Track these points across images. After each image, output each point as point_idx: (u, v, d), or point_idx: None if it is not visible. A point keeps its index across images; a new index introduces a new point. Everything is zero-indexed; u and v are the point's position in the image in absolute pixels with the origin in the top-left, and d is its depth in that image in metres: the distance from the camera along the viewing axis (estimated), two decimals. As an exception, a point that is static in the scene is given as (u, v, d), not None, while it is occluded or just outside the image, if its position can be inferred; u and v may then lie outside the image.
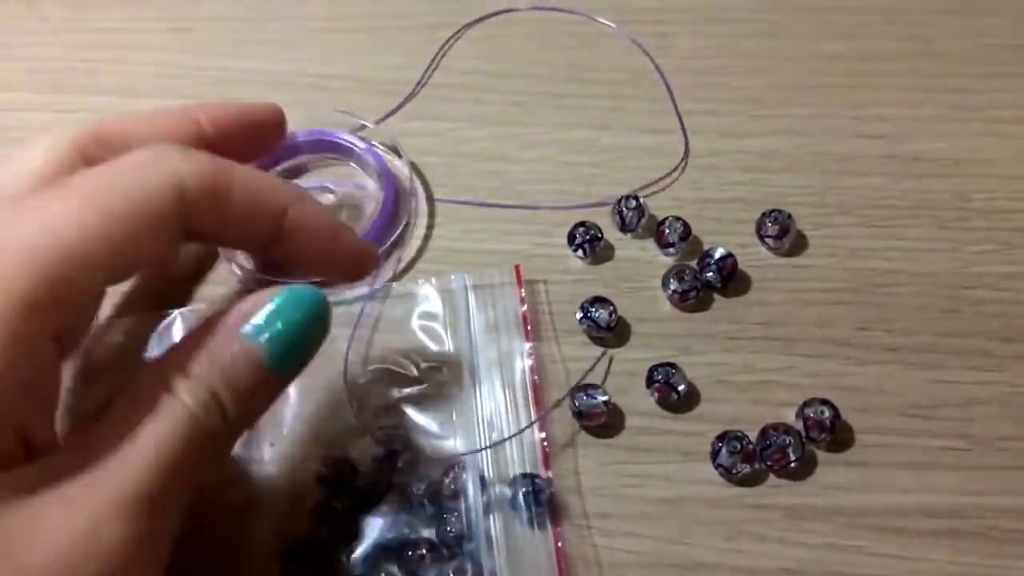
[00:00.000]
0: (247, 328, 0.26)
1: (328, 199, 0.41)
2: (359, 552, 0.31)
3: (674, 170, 0.41)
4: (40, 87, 0.45)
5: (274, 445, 0.34)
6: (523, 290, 0.37)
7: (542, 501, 0.32)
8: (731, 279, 0.37)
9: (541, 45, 0.46)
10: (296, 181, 0.41)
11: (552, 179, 0.41)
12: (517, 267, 0.37)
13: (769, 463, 0.33)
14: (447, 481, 0.33)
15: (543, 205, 0.40)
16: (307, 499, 0.33)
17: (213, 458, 0.26)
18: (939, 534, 0.32)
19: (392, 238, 0.39)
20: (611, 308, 0.36)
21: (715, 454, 0.33)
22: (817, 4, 0.47)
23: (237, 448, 0.34)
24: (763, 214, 0.38)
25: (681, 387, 0.34)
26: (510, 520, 0.32)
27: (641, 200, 0.39)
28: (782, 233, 0.38)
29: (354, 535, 0.32)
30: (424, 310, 0.37)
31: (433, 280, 0.37)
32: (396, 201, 0.40)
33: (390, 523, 0.32)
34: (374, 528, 0.32)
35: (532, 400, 0.35)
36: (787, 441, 0.33)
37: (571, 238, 0.38)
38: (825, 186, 0.40)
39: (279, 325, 0.27)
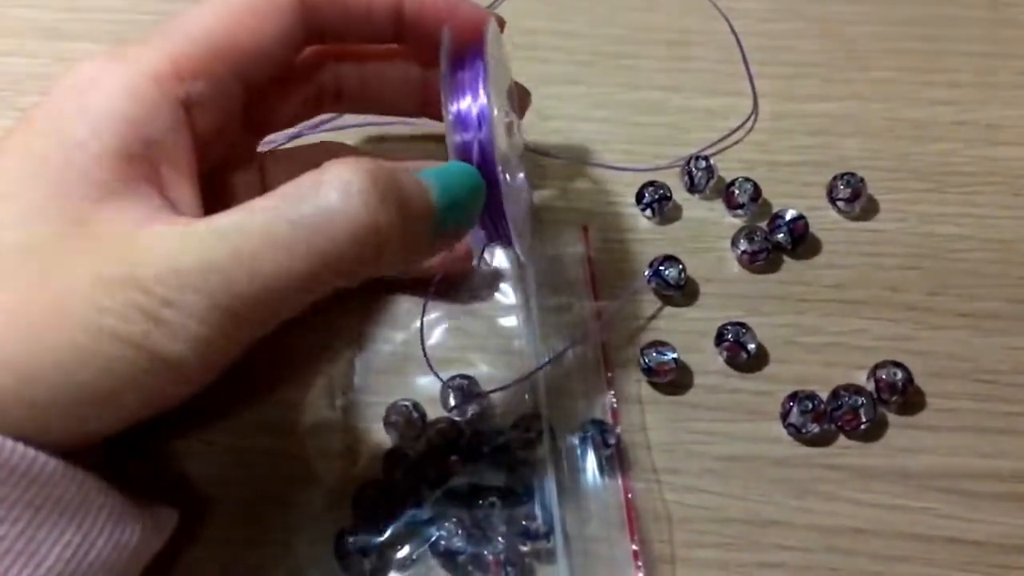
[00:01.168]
0: (422, 172, 0.26)
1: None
2: (430, 499, 0.32)
3: (740, 130, 0.41)
4: (104, 37, 0.45)
5: (346, 394, 0.35)
6: (591, 249, 0.37)
7: (610, 443, 0.33)
8: (802, 241, 0.37)
9: (613, 3, 0.45)
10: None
11: (621, 139, 0.41)
12: (585, 227, 0.37)
13: (840, 423, 0.33)
14: (517, 431, 0.33)
15: (612, 164, 0.40)
16: (380, 446, 0.33)
17: (354, 257, 0.24)
18: (1008, 497, 0.32)
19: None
20: (680, 267, 0.36)
21: (786, 413, 0.33)
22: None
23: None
24: (835, 177, 0.38)
25: (751, 346, 0.34)
26: (579, 472, 0.33)
27: (711, 160, 0.39)
28: (854, 197, 0.38)
29: (426, 481, 0.32)
30: (494, 266, 0.37)
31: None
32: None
33: (461, 470, 0.32)
34: (444, 476, 0.32)
35: (600, 357, 0.35)
36: (859, 402, 0.33)
37: (639, 197, 0.38)
38: (897, 151, 0.40)
39: (449, 180, 0.27)
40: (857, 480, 0.33)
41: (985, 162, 0.40)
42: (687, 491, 0.33)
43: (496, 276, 0.37)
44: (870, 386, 0.34)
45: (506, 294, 0.36)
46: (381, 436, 0.34)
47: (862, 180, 0.38)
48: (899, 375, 0.33)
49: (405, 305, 0.36)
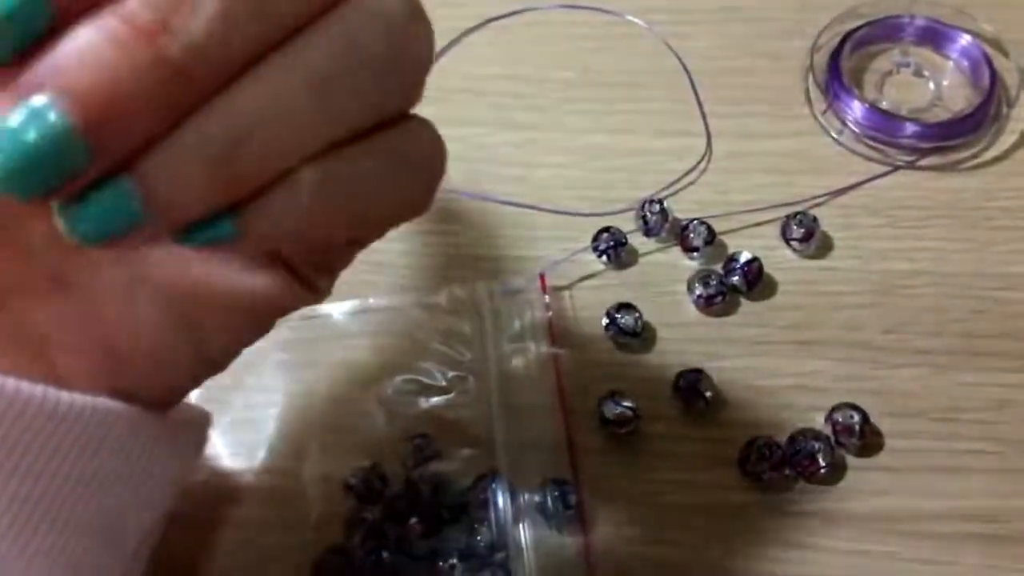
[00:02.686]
0: None
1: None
2: (390, 561, 0.32)
3: (694, 171, 0.41)
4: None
5: (306, 458, 0.35)
6: (548, 297, 0.37)
7: (570, 504, 0.32)
8: (757, 283, 0.37)
9: (563, 46, 0.45)
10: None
11: (576, 184, 0.41)
12: (542, 275, 0.37)
13: (799, 469, 0.33)
14: (476, 490, 0.33)
15: (567, 211, 0.40)
16: (339, 510, 0.33)
17: None
18: (971, 538, 0.32)
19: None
20: (637, 314, 0.36)
21: (744, 460, 0.33)
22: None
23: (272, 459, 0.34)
24: (788, 217, 0.38)
25: (708, 393, 0.34)
26: (539, 527, 0.32)
27: (665, 204, 0.39)
28: (808, 236, 0.38)
29: (385, 545, 0.32)
30: (450, 319, 0.37)
31: (459, 289, 0.37)
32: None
33: (420, 534, 0.32)
34: (404, 539, 0.32)
35: (559, 407, 0.35)
36: (816, 447, 0.33)
37: (595, 243, 0.38)
38: (850, 187, 0.40)
39: None
40: (818, 526, 0.32)
41: (938, 195, 0.40)
42: (648, 543, 0.32)
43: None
44: (827, 429, 0.34)
45: (460, 352, 0.36)
46: (340, 500, 0.33)
47: (815, 219, 0.38)
48: (855, 417, 0.33)
49: (360, 362, 0.36)
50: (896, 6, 0.44)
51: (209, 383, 0.36)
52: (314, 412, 0.35)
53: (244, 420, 0.35)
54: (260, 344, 0.36)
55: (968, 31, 0.43)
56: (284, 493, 0.34)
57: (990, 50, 0.42)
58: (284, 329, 0.37)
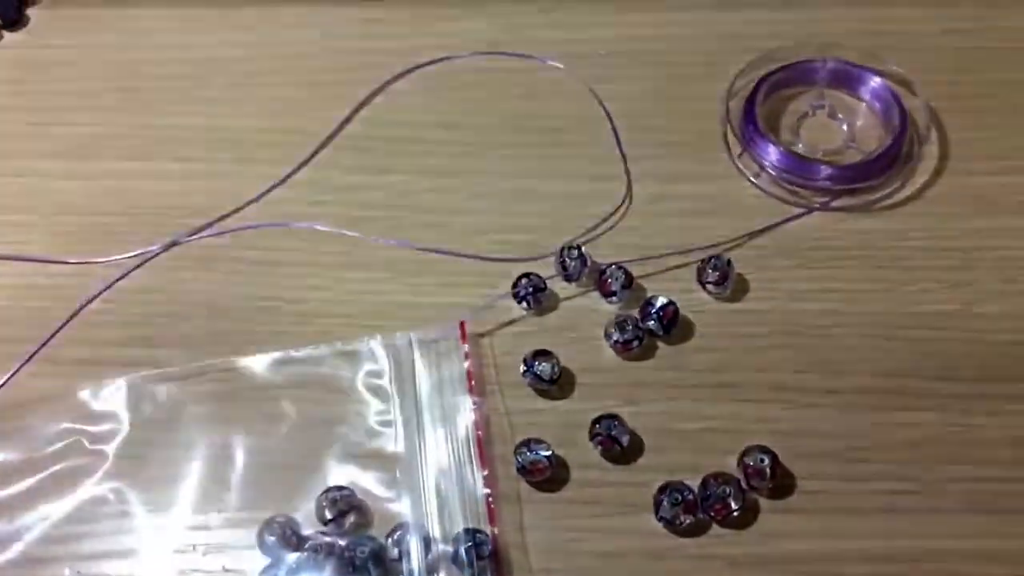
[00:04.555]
0: None
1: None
2: (306, 617, 0.32)
3: (613, 215, 0.41)
4: (-12, 151, 0.45)
5: (221, 511, 0.34)
6: (467, 345, 0.37)
7: (484, 555, 0.32)
8: (673, 327, 0.38)
9: (486, 92, 0.46)
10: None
11: (497, 229, 0.41)
12: (462, 323, 0.38)
13: (711, 513, 0.33)
14: (391, 542, 0.33)
15: (488, 256, 0.40)
16: (253, 565, 0.33)
17: None
18: (881, 579, 0.32)
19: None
20: (554, 361, 0.36)
21: (657, 506, 0.33)
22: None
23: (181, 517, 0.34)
24: (703, 260, 0.39)
25: (624, 439, 0.35)
26: (456, 579, 0.33)
27: (583, 249, 0.39)
28: (722, 279, 0.38)
29: (300, 600, 0.32)
30: (370, 368, 0.37)
31: (378, 337, 0.38)
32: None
33: (336, 586, 0.32)
34: (321, 592, 0.32)
35: (477, 456, 0.35)
36: (727, 491, 0.33)
37: (515, 290, 0.39)
38: (764, 229, 0.41)
39: None
40: (730, 570, 0.33)
41: (851, 235, 0.40)
42: (564, 592, 0.33)
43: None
44: (739, 472, 0.34)
45: (380, 398, 0.36)
46: (254, 555, 0.33)
47: (729, 262, 0.38)
48: (765, 460, 0.34)
49: (279, 413, 0.36)
50: (808, 49, 0.45)
51: (129, 439, 0.36)
52: (233, 465, 0.35)
53: (163, 476, 0.35)
54: (180, 398, 0.37)
55: (878, 72, 0.44)
56: (196, 546, 0.34)
57: (900, 90, 0.43)
58: (204, 382, 0.37)
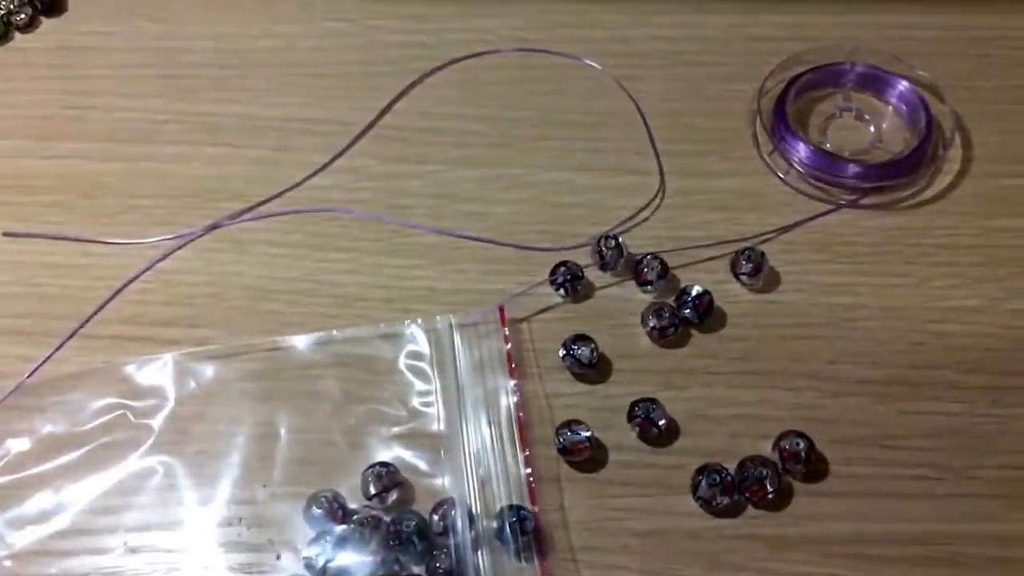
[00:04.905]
0: None
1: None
2: (351, 588, 0.32)
3: (647, 207, 0.42)
4: (30, 133, 0.46)
5: (266, 486, 0.35)
6: (507, 329, 0.38)
7: (528, 530, 0.33)
8: (708, 316, 0.38)
9: (523, 87, 0.47)
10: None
11: (534, 220, 0.42)
12: (501, 308, 0.39)
13: (748, 495, 0.34)
14: (436, 517, 0.34)
15: (525, 245, 0.41)
16: (301, 538, 0.34)
17: None
18: (910, 561, 0.33)
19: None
20: (592, 345, 0.37)
21: (695, 487, 0.34)
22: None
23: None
24: (737, 252, 0.40)
25: (661, 422, 0.36)
26: (498, 554, 0.33)
27: (620, 239, 0.40)
28: (756, 270, 0.39)
29: (346, 573, 0.33)
30: (411, 349, 0.38)
31: (420, 321, 0.38)
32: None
33: (380, 560, 0.33)
34: (365, 565, 0.33)
35: (518, 436, 0.36)
36: (764, 473, 0.34)
37: (553, 277, 0.40)
38: (795, 224, 0.42)
39: None
40: (765, 550, 0.34)
41: (878, 232, 0.42)
42: (604, 568, 0.33)
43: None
44: (775, 456, 0.35)
45: (422, 379, 0.37)
46: (300, 528, 0.34)
47: (763, 254, 0.39)
48: (801, 444, 0.35)
49: (323, 392, 0.37)
50: (837, 53, 0.46)
51: (173, 414, 0.37)
52: (277, 442, 0.36)
53: (208, 450, 0.36)
54: (224, 375, 0.37)
55: (905, 77, 0.45)
56: (245, 518, 0.34)
57: (927, 95, 0.45)
58: (247, 360, 0.38)
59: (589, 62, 0.47)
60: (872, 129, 0.45)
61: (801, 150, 0.43)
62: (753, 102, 0.45)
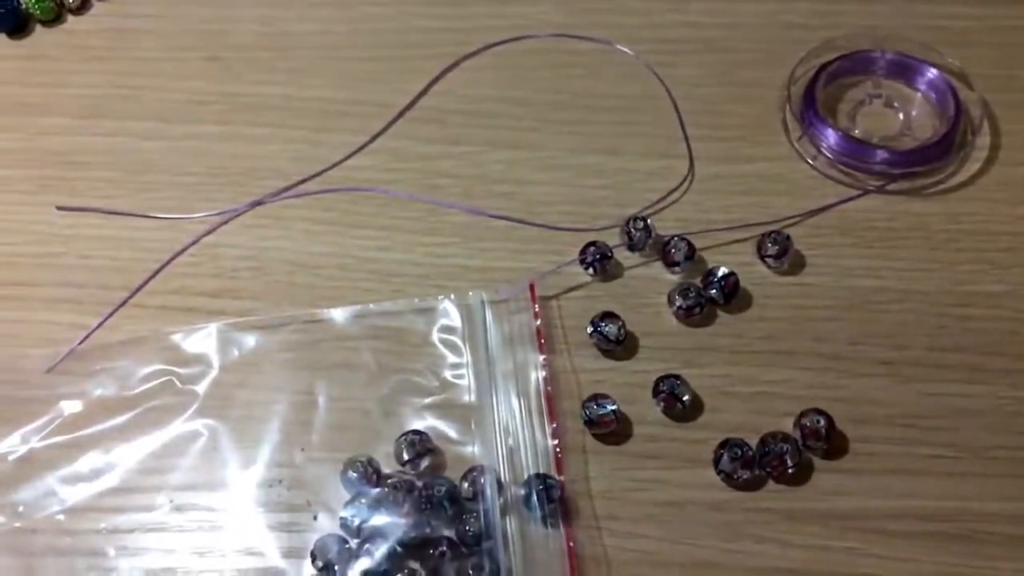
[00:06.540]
0: None
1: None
2: (383, 549, 0.34)
3: (676, 190, 0.43)
4: (81, 111, 0.48)
5: (304, 450, 0.37)
6: (537, 306, 0.39)
7: (554, 498, 0.35)
8: (733, 296, 0.39)
9: (556, 71, 0.48)
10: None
11: (565, 200, 0.43)
12: (531, 284, 0.40)
13: (768, 469, 0.35)
14: (466, 484, 0.35)
15: (556, 225, 0.42)
16: (337, 500, 0.35)
17: None
18: (926, 536, 0.34)
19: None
20: (620, 323, 0.38)
21: (717, 460, 0.35)
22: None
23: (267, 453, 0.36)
24: (763, 235, 0.41)
25: (685, 397, 0.37)
26: (525, 521, 0.35)
27: (648, 221, 0.41)
28: (781, 253, 0.40)
29: (379, 533, 0.34)
30: (444, 324, 0.39)
31: (452, 296, 0.40)
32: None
33: (412, 523, 0.34)
34: (398, 527, 0.34)
35: (546, 409, 0.37)
36: (785, 448, 0.35)
37: (582, 256, 0.41)
38: (822, 209, 0.43)
39: None
40: (784, 523, 0.35)
41: (905, 217, 0.42)
42: (627, 537, 0.35)
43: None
44: (796, 433, 0.36)
45: (454, 352, 0.39)
46: (336, 490, 0.35)
47: (788, 237, 0.40)
48: (822, 422, 0.35)
49: (359, 363, 0.39)
50: (868, 41, 0.46)
51: (217, 380, 0.39)
52: (315, 409, 0.38)
53: (250, 416, 0.38)
54: (266, 345, 0.39)
55: (935, 65, 0.46)
56: (283, 480, 0.36)
57: (956, 83, 0.45)
58: (287, 331, 0.40)
59: (621, 47, 0.48)
60: (901, 116, 0.46)
61: (830, 136, 0.44)
62: (783, 88, 0.46)
